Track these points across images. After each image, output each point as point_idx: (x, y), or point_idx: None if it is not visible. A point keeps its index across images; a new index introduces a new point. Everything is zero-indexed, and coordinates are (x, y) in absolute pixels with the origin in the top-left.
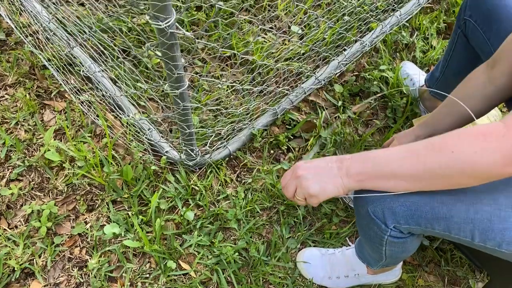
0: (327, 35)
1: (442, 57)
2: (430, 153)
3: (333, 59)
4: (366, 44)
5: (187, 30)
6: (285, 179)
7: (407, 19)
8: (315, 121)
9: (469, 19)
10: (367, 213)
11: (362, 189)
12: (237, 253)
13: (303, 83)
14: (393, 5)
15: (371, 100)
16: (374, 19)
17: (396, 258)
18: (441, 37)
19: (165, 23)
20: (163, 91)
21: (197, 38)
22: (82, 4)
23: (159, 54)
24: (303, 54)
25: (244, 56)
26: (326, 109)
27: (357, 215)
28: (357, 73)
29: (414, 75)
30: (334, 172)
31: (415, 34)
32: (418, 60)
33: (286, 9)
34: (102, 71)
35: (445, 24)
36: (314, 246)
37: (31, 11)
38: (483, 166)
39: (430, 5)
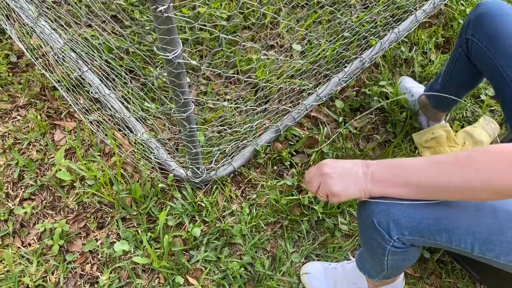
0: (327, 54)
1: (443, 71)
2: (455, 167)
3: (334, 76)
4: (365, 60)
5: (191, 50)
6: (310, 174)
7: (405, 35)
8: (317, 136)
9: (472, 38)
10: (372, 224)
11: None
12: (242, 268)
13: (304, 100)
14: (392, 23)
15: (369, 112)
16: (373, 37)
17: (397, 269)
18: (440, 51)
19: (173, 54)
20: (169, 114)
21: (201, 58)
22: (90, 26)
23: (165, 75)
24: (305, 71)
25: (247, 79)
26: (328, 124)
27: (361, 226)
28: (357, 88)
29: (413, 88)
30: (359, 175)
31: (414, 49)
32: (417, 74)
33: (288, 27)
34: (110, 94)
35: (443, 39)
36: (317, 260)
37: (42, 35)
38: (509, 184)
39: (428, 20)
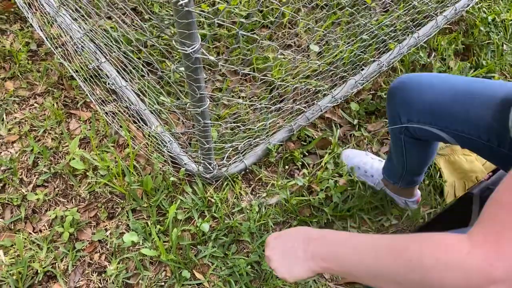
0: (345, 56)
1: (394, 156)
2: (389, 256)
3: (350, 78)
4: (383, 64)
5: (209, 46)
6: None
7: (425, 40)
8: (330, 138)
9: (410, 124)
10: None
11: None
12: (249, 266)
13: (319, 100)
14: (411, 27)
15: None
16: (392, 41)
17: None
18: (459, 58)
19: (191, 49)
20: (184, 108)
21: (218, 54)
22: (110, 18)
23: (183, 69)
24: (321, 72)
25: (264, 77)
26: (342, 126)
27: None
28: (373, 92)
29: (364, 164)
30: (300, 254)
31: (433, 54)
32: None
33: (306, 27)
34: (126, 86)
35: (463, 46)
36: None
37: (62, 25)
38: (446, 283)
39: (448, 26)
